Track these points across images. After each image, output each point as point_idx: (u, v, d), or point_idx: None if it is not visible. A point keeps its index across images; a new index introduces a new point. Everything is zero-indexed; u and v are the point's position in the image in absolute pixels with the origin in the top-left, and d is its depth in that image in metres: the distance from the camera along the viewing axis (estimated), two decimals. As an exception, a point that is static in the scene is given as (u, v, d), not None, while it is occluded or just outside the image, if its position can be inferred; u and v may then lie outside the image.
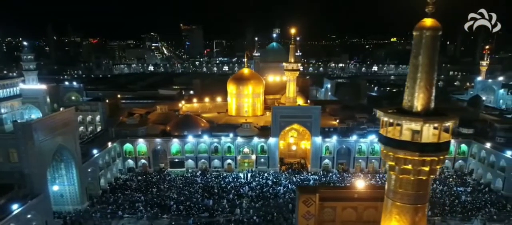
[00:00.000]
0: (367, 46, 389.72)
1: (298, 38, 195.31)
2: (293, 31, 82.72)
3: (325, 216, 29.68)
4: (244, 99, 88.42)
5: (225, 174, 73.80)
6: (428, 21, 18.10)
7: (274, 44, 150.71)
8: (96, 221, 54.28)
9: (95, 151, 64.49)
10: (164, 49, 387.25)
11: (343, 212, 29.79)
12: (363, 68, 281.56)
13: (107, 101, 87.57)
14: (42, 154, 47.58)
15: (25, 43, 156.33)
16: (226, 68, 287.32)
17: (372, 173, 74.91)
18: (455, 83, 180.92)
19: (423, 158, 18.33)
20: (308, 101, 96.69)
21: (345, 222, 29.90)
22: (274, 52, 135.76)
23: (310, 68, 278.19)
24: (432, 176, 19.28)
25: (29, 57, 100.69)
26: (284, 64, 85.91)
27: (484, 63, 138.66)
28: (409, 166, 18.72)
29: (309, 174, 73.96)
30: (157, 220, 55.96)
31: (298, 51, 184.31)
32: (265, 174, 73.09)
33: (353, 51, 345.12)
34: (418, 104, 18.75)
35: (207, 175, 72.91)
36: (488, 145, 69.12)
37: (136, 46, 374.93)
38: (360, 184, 34.18)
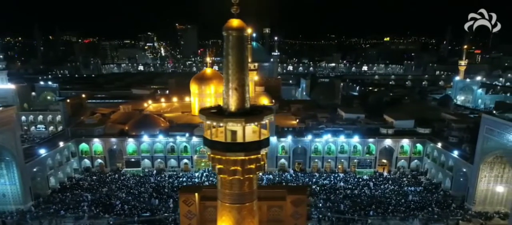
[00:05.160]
0: (364, 46, 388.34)
1: (276, 38, 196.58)
2: (249, 31, 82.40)
3: (208, 215, 29.66)
4: (206, 99, 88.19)
5: (181, 174, 73.98)
6: (234, 22, 18.15)
7: (254, 43, 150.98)
8: (34, 221, 54.48)
9: (42, 151, 64.69)
10: (162, 48, 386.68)
11: (226, 211, 29.84)
12: (353, 68, 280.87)
13: (68, 100, 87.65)
14: (-28, 154, 47.86)
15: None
16: (215, 67, 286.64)
17: (329, 172, 74.84)
18: (440, 83, 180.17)
19: (233, 157, 18.37)
20: (273, 100, 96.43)
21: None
22: (254, 51, 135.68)
23: (300, 68, 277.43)
24: (249, 175, 19.27)
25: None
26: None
27: (462, 63, 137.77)
28: (223, 166, 18.77)
29: (265, 173, 73.91)
30: (98, 219, 56.18)
31: (276, 51, 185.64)
32: (220, 174, 73.16)
33: (349, 51, 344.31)
34: (232, 104, 18.81)
35: (162, 175, 73.17)
36: (439, 144, 68.91)
37: (131, 46, 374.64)
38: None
